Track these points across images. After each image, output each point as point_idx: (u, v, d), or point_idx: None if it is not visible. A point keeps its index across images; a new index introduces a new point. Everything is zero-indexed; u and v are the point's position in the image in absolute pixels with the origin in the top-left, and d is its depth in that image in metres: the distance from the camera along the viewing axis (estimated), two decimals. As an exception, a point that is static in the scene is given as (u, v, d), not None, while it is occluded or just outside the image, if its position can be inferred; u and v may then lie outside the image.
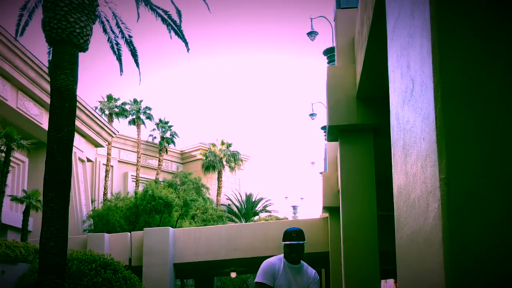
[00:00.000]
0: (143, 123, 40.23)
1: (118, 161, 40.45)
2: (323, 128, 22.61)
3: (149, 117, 40.29)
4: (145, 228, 23.54)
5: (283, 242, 5.17)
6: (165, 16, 14.55)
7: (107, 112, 38.73)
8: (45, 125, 23.27)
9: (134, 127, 40.19)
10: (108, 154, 37.43)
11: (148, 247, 22.34)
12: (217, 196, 42.48)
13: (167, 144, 41.99)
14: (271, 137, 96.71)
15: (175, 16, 14.59)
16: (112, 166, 38.76)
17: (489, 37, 2.64)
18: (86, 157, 31.27)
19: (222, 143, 44.13)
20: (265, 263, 5.26)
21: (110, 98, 38.97)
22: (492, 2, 2.66)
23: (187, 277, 31.25)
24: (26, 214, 20.64)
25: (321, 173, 24.64)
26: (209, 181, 43.18)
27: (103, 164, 37.57)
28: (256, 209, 42.53)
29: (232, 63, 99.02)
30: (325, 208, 19.47)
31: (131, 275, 15.51)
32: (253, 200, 42.61)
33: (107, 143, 34.52)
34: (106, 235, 23.23)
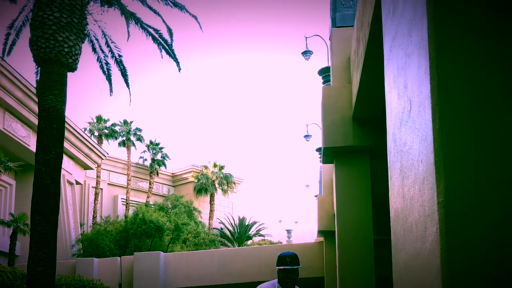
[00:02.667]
0: (134, 144, 39.96)
1: (108, 183, 40.05)
2: (318, 150, 22.43)
3: (140, 139, 40.02)
4: (135, 253, 23.50)
5: (277, 267, 5.11)
6: (156, 35, 14.54)
7: (96, 133, 38.46)
8: (32, 147, 22.93)
9: (124, 149, 39.87)
10: (98, 176, 37.07)
11: (138, 272, 22.20)
12: (209, 220, 42.10)
13: (158, 167, 41.68)
14: (264, 159, 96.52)
15: (166, 35, 14.52)
16: (101, 189, 38.38)
17: (489, 57, 2.61)
18: (75, 180, 30.96)
19: (215, 166, 43.87)
20: None
21: (99, 119, 38.71)
22: (491, 20, 2.65)
23: (178, 303, 30.79)
24: (13, 238, 20.49)
25: (316, 196, 24.49)
26: (201, 204, 42.80)
27: (93, 187, 37.21)
28: (249, 233, 42.10)
29: (225, 83, 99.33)
30: (320, 232, 19.41)
31: (121, 301, 15.12)
32: (247, 223, 42.20)
33: (96, 166, 34.28)
34: (96, 259, 23.08)
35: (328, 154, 10.93)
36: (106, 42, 14.68)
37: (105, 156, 34.49)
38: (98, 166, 35.34)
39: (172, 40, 14.40)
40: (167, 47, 14.56)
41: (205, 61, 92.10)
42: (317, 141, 25.66)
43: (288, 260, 5.03)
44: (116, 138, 39.13)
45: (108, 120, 39.04)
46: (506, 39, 2.62)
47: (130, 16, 13.61)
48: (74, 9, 12.34)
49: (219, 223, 42.19)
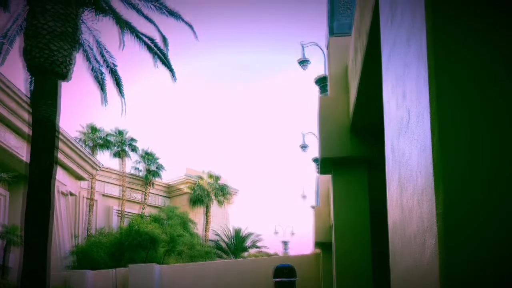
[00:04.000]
0: (128, 155, 39.75)
1: (102, 195, 39.84)
2: (315, 160, 22.33)
3: (134, 149, 39.83)
4: (130, 265, 23.46)
5: (274, 279, 5.08)
6: (151, 45, 14.47)
7: (90, 143, 38.22)
8: (26, 158, 22.73)
9: (118, 159, 39.60)
10: (92, 187, 36.86)
11: (133, 284, 22.17)
12: (204, 231, 41.88)
13: (152, 177, 41.47)
14: (260, 170, 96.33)
15: (161, 44, 14.42)
16: (95, 200, 38.14)
17: (489, 66, 2.58)
18: (69, 191, 30.79)
19: (210, 176, 43.69)
20: None
21: (93, 129, 38.54)
22: (491, 29, 2.59)
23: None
24: (6, 250, 20.20)
25: (313, 207, 24.34)
26: (197, 215, 42.56)
27: (87, 198, 36.99)
28: (245, 244, 41.83)
29: (220, 92, 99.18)
30: (317, 244, 19.38)
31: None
32: (242, 235, 41.93)
33: (90, 176, 34.05)
34: (90, 272, 22.99)
35: (325, 164, 10.92)
36: (101, 52, 14.60)
37: (99, 167, 34.35)
38: (92, 177, 35.15)
39: (167, 49, 14.38)
40: (162, 57, 14.49)
41: (199, 69, 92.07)
42: (314, 151, 25.53)
43: (284, 273, 5.03)
44: (110, 149, 38.95)
45: (102, 129, 38.84)
46: (505, 48, 2.57)
47: (124, 26, 13.55)
48: (69, 18, 12.27)
49: (215, 234, 41.94)
